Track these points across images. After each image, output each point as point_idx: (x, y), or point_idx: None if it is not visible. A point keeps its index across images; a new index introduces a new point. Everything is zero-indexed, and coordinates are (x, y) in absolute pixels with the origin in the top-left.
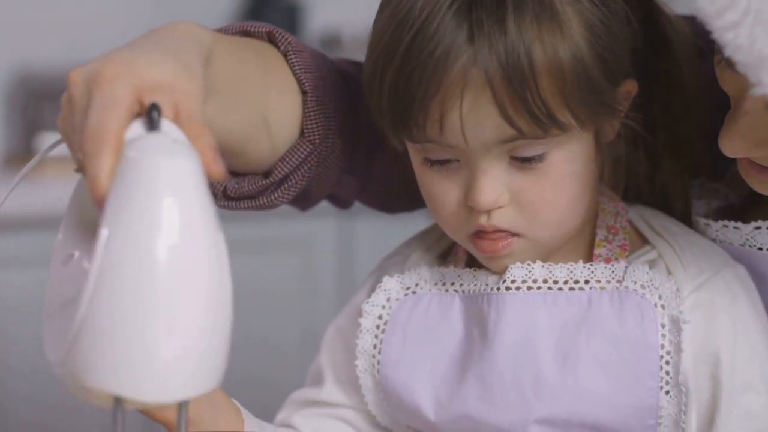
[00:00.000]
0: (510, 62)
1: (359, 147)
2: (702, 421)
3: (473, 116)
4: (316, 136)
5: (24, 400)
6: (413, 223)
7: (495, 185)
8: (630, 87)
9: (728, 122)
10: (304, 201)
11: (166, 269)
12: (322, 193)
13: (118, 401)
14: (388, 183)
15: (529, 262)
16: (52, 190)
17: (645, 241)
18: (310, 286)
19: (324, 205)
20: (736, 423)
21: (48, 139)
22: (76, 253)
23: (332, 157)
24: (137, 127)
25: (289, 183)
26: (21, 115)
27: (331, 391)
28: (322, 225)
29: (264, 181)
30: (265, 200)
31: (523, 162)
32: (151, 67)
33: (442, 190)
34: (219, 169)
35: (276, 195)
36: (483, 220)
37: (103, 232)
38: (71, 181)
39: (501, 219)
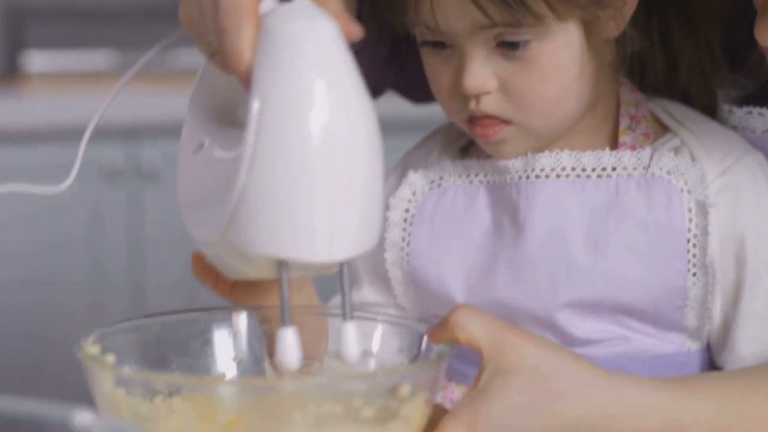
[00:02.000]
0: None
1: (402, 39)
2: (726, 303)
3: (444, 2)
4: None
5: None
6: None
7: (481, 70)
8: None
9: (764, 12)
10: None
11: (323, 132)
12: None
13: (284, 267)
14: (420, 74)
15: (557, 150)
16: (38, 107)
17: (666, 129)
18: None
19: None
20: (759, 301)
21: (34, 57)
22: (206, 141)
23: (379, 49)
24: (268, 2)
25: None
26: (5, 33)
27: (370, 291)
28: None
29: None
30: None
31: (508, 50)
32: None
33: (439, 74)
34: (356, 29)
35: None
36: (472, 105)
37: (254, 104)
38: (57, 98)
39: (489, 105)
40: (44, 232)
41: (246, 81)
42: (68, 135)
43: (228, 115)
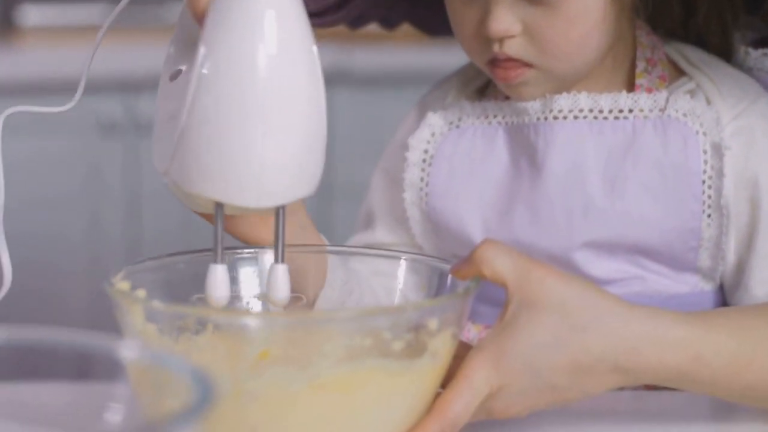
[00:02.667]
0: None
1: None
2: (740, 245)
3: None
4: None
5: None
6: None
7: (506, 14)
8: None
9: None
10: (358, 21)
11: (264, 76)
12: (376, 14)
13: (219, 206)
14: (436, 6)
15: (575, 92)
16: (33, 61)
17: (682, 73)
18: None
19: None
20: None
21: (29, 10)
22: (183, 69)
23: None
24: None
25: (352, 5)
26: None
27: (383, 232)
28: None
29: (327, 2)
30: (328, 20)
31: None
32: None
33: (462, 16)
34: None
35: (337, 16)
36: (495, 47)
37: (201, 49)
38: (53, 51)
39: (512, 48)
40: (42, 185)
41: (201, 23)
42: (63, 88)
43: None
